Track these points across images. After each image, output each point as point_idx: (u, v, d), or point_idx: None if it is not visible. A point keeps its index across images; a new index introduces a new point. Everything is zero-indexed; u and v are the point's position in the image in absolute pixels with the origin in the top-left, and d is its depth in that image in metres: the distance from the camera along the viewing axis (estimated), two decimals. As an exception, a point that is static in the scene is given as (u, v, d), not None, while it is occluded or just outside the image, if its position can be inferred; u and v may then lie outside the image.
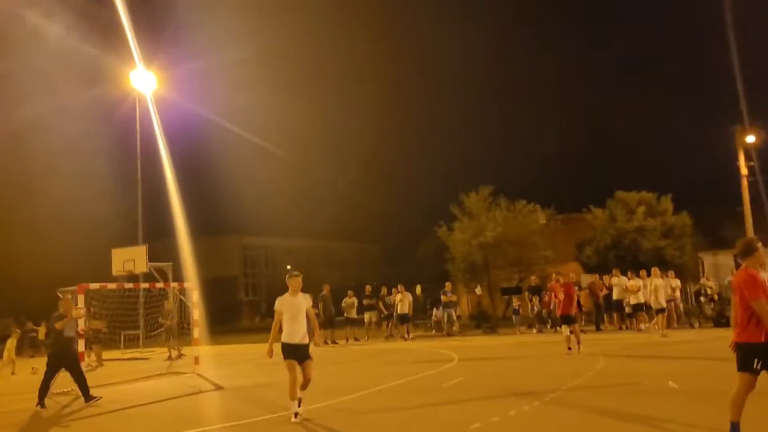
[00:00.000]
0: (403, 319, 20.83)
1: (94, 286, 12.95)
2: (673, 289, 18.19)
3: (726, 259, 23.80)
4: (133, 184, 25.64)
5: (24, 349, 21.91)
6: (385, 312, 21.42)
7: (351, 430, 6.72)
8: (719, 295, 19.33)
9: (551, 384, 8.92)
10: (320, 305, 19.50)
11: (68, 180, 37.34)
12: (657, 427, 6.07)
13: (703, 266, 25.33)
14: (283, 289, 7.90)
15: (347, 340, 20.56)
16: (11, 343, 16.39)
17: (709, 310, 19.06)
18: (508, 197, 26.37)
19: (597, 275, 21.28)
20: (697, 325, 18.44)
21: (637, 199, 25.86)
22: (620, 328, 19.01)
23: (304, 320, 7.60)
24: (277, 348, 7.52)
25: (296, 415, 7.35)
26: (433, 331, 22.18)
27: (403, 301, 20.83)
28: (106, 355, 18.12)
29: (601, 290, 19.81)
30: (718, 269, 23.11)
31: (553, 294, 17.09)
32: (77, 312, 10.58)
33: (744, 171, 24.81)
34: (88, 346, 15.01)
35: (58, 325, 9.74)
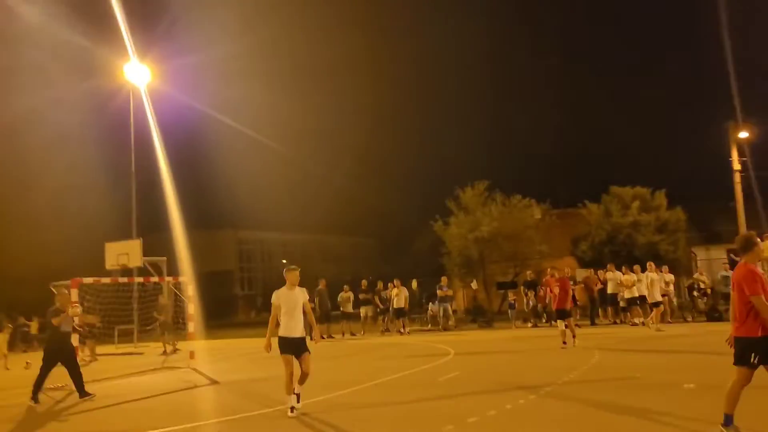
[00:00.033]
0: (399, 313, 20.86)
1: (88, 280, 12.87)
2: (667, 284, 18.28)
3: (719, 254, 23.94)
4: (127, 177, 25.51)
5: (16, 344, 21.80)
6: (381, 306, 21.43)
7: (348, 424, 6.71)
8: (712, 289, 19.45)
9: (547, 378, 8.95)
10: (316, 300, 19.48)
11: (62, 173, 37.17)
12: (654, 420, 6.09)
13: (696, 261, 25.45)
14: (279, 284, 7.87)
15: (343, 335, 20.56)
16: (3, 339, 16.31)
17: (702, 304, 19.17)
18: (503, 192, 26.44)
19: (592, 270, 21.36)
20: (690, 319, 18.56)
21: (632, 194, 25.94)
22: (614, 323, 19.10)
23: (301, 314, 7.57)
24: (275, 342, 7.49)
25: (292, 409, 7.34)
26: (429, 325, 22.21)
27: (399, 295, 20.85)
28: (99, 349, 18.05)
29: (596, 285, 19.90)
30: (711, 264, 23.21)
31: (548, 288, 17.14)
32: (74, 310, 10.53)
33: (737, 166, 24.90)
34: (81, 341, 14.95)
35: (55, 321, 9.67)
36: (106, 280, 14.55)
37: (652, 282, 16.67)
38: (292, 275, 7.64)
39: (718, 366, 9.40)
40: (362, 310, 21.43)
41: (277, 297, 7.56)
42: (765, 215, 24.21)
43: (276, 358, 7.60)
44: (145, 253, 19.64)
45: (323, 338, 19.11)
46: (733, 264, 20.30)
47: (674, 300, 19.12)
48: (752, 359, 5.08)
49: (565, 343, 12.97)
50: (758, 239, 5.46)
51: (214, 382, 11.11)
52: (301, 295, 7.65)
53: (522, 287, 21.86)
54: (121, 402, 9.37)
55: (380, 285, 21.83)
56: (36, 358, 16.02)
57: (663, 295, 17.56)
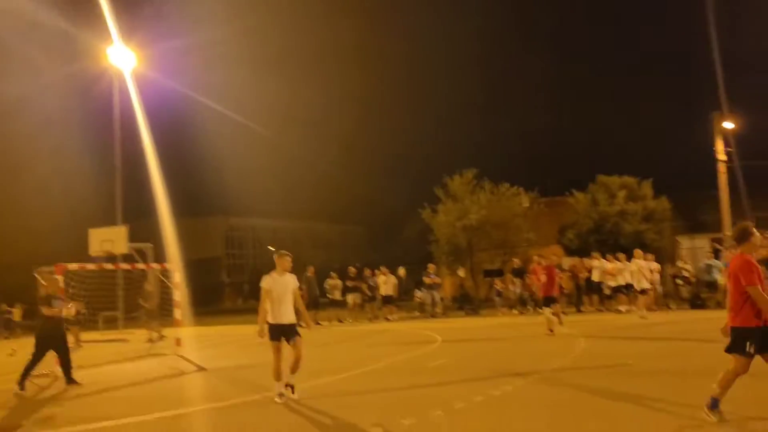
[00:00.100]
0: (387, 300, 20.92)
1: (73, 266, 12.70)
2: (652, 272, 18.49)
3: (702, 242, 24.26)
4: (112, 163, 25.16)
5: (-1, 330, 21.56)
6: (369, 294, 21.45)
7: (336, 410, 6.71)
8: (696, 278, 19.70)
9: (534, 364, 9.02)
10: (304, 287, 19.43)
11: (45, 158, 36.61)
12: (647, 407, 6.13)
13: (680, 250, 25.75)
14: (267, 270, 7.81)
15: (330, 322, 20.57)
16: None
17: (685, 292, 19.42)
18: (492, 180, 26.49)
19: (578, 258, 21.53)
20: (674, 307, 18.80)
21: (619, 184, 26.16)
22: (599, 310, 19.29)
23: (291, 300, 7.53)
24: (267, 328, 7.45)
25: (281, 395, 7.32)
26: (417, 312, 22.29)
27: (387, 282, 20.92)
28: (84, 336, 17.87)
29: (582, 273, 20.06)
30: (695, 253, 23.52)
31: (535, 276, 17.24)
32: (68, 311, 10.48)
33: (722, 157, 25.13)
34: (66, 328, 14.77)
35: (46, 312, 9.59)
36: (91, 266, 14.36)
37: (639, 269, 16.82)
38: (285, 261, 7.59)
39: (706, 353, 9.54)
40: (350, 298, 21.42)
41: (268, 282, 7.48)
42: (749, 205, 24.49)
43: (263, 345, 7.57)
44: (131, 240, 19.44)
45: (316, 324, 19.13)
46: (716, 253, 20.60)
47: (659, 288, 19.35)
48: (748, 348, 5.10)
49: (551, 330, 13.07)
50: (755, 230, 5.46)
51: (201, 368, 11.05)
52: (291, 281, 7.61)
53: (509, 275, 21.99)
54: (108, 388, 9.31)
55: (368, 272, 21.83)
56: (19, 345, 15.88)
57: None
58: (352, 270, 21.73)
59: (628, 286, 18.20)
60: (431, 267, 21.94)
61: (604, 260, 19.34)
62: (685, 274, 19.54)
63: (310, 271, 20.64)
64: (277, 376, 7.40)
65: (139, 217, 28.56)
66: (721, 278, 18.25)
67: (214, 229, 75.06)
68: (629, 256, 18.31)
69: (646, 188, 26.11)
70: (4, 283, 26.51)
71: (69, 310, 10.64)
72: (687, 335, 12.06)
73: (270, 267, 7.78)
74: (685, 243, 25.77)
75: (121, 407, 7.75)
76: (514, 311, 20.54)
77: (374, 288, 21.30)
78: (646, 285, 16.74)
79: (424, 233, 28.14)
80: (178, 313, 13.67)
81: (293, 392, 7.34)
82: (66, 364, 9.72)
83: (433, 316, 20.91)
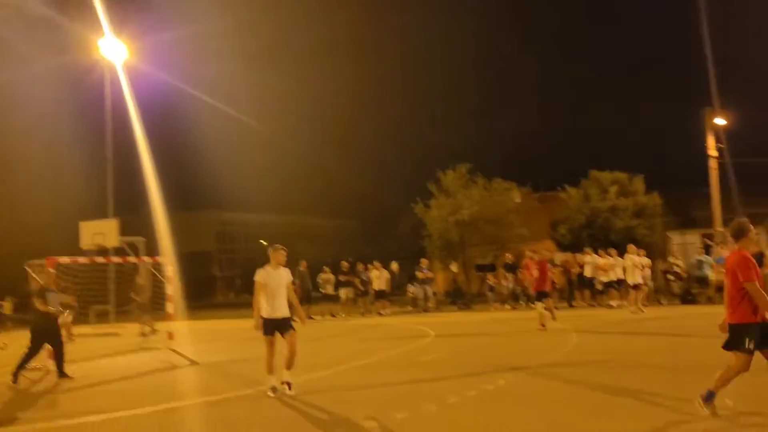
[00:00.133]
0: (380, 295, 20.94)
1: (64, 259, 12.62)
2: (643, 267, 18.60)
3: (693, 238, 24.40)
4: (104, 156, 24.98)
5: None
6: (362, 288, 21.46)
7: (328, 405, 6.72)
8: (687, 273, 19.83)
9: (527, 359, 9.06)
10: (297, 281, 19.40)
11: (36, 152, 36.27)
12: (639, 400, 6.16)
13: (671, 245, 25.91)
14: (259, 264, 7.78)
15: (323, 316, 20.57)
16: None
17: (676, 288, 19.56)
18: (484, 175, 26.51)
19: (570, 253, 21.63)
20: (665, 302, 18.93)
21: (611, 179, 26.24)
22: (591, 305, 19.40)
23: (286, 294, 7.52)
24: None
25: (274, 389, 7.32)
26: (409, 307, 22.33)
27: (380, 277, 20.93)
28: (75, 330, 17.77)
29: (574, 268, 20.15)
30: (686, 248, 23.65)
31: (528, 271, 17.32)
32: (65, 319, 10.45)
33: (713, 153, 25.26)
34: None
35: (40, 306, 9.54)
36: (83, 259, 14.28)
37: (634, 264, 16.89)
38: (280, 255, 7.56)
39: (697, 348, 9.63)
40: (342, 292, 21.42)
41: (263, 276, 7.46)
42: (740, 201, 24.68)
43: (256, 339, 7.56)
44: (123, 233, 19.35)
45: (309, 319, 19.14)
46: (707, 249, 20.75)
47: (650, 283, 19.49)
48: (747, 344, 5.09)
49: (543, 325, 13.13)
50: (751, 226, 5.45)
51: (193, 362, 11.04)
52: (286, 275, 7.59)
53: (501, 270, 22.06)
54: (99, 382, 9.26)
55: (361, 267, 21.83)
56: (10, 338, 15.77)
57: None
58: (344, 264, 21.71)
59: (620, 282, 18.32)
60: (424, 262, 21.98)
61: (596, 256, 19.44)
62: (676, 269, 19.68)
63: (303, 266, 20.61)
64: (270, 370, 7.39)
65: (130, 210, 28.42)
66: (711, 274, 18.41)
67: (203, 223, 74.78)
68: (621, 252, 18.40)
69: (638, 184, 26.23)
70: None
71: (66, 319, 10.64)
72: (678, 330, 12.15)
73: (262, 261, 7.76)
74: (676, 239, 25.89)
75: (113, 401, 7.73)
76: (507, 306, 20.61)
77: (367, 282, 21.31)
78: (639, 280, 16.82)
79: (417, 228, 28.16)
80: (170, 307, 13.63)
81: (290, 389, 7.27)
82: (59, 359, 9.70)
83: (426, 310, 20.96)
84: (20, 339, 11.62)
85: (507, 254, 22.85)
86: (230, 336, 16.53)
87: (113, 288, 20.85)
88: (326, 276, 21.49)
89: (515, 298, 20.81)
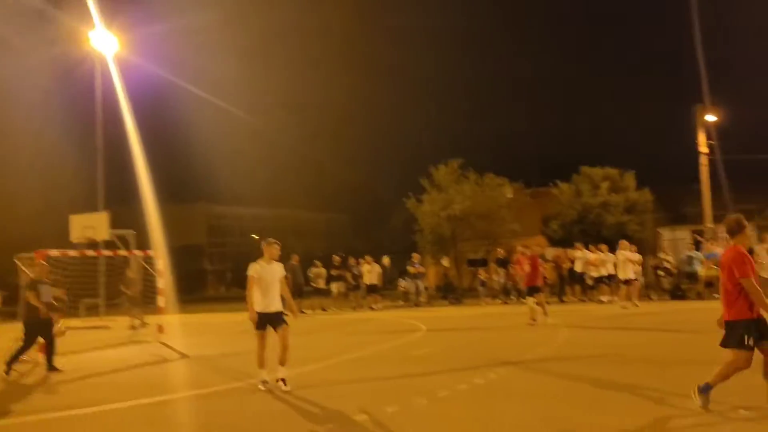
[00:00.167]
0: (371, 289, 20.95)
1: (54, 252, 12.53)
2: (634, 263, 18.71)
3: (684, 234, 24.58)
4: (94, 148, 24.74)
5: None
6: (354, 283, 21.45)
7: (319, 399, 6.71)
8: (677, 269, 19.98)
9: (518, 354, 9.09)
10: (289, 275, 19.35)
11: (27, 144, 35.92)
12: (629, 394, 6.19)
13: (661, 241, 26.09)
14: (251, 258, 7.75)
15: (314, 310, 20.56)
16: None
17: (666, 283, 19.70)
18: (476, 171, 26.55)
19: (562, 248, 21.73)
20: (655, 298, 19.06)
21: (602, 175, 26.38)
22: (582, 300, 19.51)
23: (278, 289, 7.49)
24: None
25: (264, 383, 7.30)
26: (401, 301, 22.36)
27: (371, 271, 20.93)
28: (65, 323, 17.65)
29: (565, 263, 20.25)
30: (676, 244, 23.82)
31: (519, 266, 17.36)
32: (59, 327, 10.41)
33: (704, 149, 25.43)
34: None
35: (32, 299, 9.48)
36: (73, 252, 14.20)
37: (626, 259, 16.98)
38: (273, 249, 7.53)
39: (686, 343, 9.70)
40: (334, 286, 21.40)
41: (256, 270, 7.42)
42: (730, 198, 24.87)
43: (247, 333, 7.54)
44: (113, 226, 19.19)
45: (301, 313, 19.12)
46: (697, 245, 20.90)
47: (641, 279, 19.62)
48: (746, 341, 5.07)
49: (534, 320, 13.18)
50: (746, 222, 5.45)
51: (183, 356, 11.00)
52: (279, 269, 7.56)
53: (493, 264, 22.12)
54: (90, 375, 9.22)
55: (352, 261, 21.82)
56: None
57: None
58: (336, 258, 21.68)
59: (610, 277, 18.43)
60: (415, 256, 21.99)
61: (587, 251, 19.53)
62: (667, 265, 19.81)
63: (295, 260, 20.57)
64: (261, 364, 7.37)
65: (121, 203, 28.24)
66: (701, 269, 18.57)
67: (194, 217, 74.45)
68: (612, 247, 18.50)
69: (629, 180, 26.38)
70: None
71: (60, 328, 10.62)
72: (667, 326, 12.24)
73: (253, 255, 7.72)
74: (666, 234, 26.07)
75: (104, 393, 7.69)
76: (498, 301, 20.69)
77: (358, 277, 21.30)
78: (632, 275, 16.91)
79: (408, 223, 28.19)
80: (161, 301, 13.58)
81: (285, 385, 7.18)
82: (50, 351, 9.67)
83: (417, 305, 20.99)
84: (9, 331, 11.55)
85: (498, 249, 22.92)
86: (221, 329, 16.48)
87: (103, 281, 20.71)
88: (318, 270, 21.45)
89: (506, 293, 20.88)
